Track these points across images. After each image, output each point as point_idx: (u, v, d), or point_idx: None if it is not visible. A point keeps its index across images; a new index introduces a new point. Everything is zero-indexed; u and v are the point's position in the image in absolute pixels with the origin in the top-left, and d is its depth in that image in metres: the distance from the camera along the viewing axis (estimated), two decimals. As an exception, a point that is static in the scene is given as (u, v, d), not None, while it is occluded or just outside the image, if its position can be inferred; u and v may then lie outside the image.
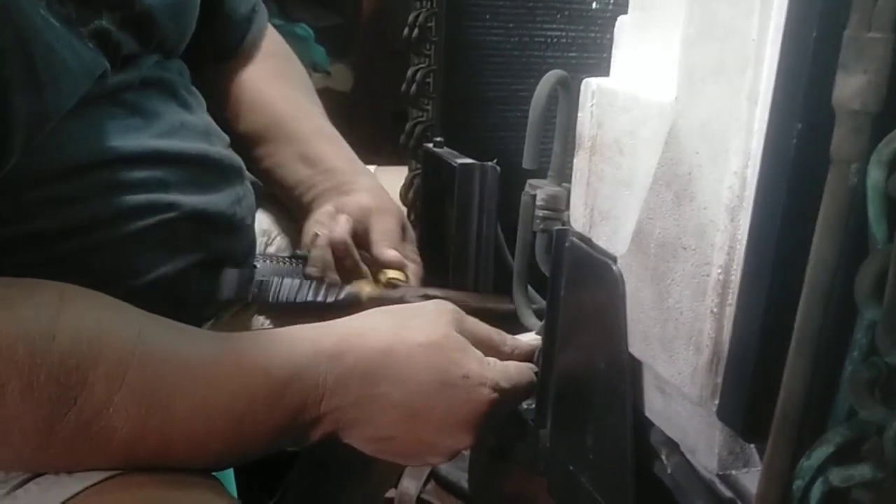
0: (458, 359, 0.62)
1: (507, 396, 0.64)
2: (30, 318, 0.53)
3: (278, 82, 0.97)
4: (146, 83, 0.75)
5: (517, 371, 0.66)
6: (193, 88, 0.86)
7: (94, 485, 0.56)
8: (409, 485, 1.29)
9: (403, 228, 0.91)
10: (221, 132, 0.86)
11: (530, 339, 0.71)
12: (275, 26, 1.03)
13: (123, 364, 0.54)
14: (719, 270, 0.43)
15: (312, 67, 2.53)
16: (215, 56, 0.94)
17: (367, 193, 0.90)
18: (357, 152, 0.96)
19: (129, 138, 0.70)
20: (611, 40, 0.55)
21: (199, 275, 0.78)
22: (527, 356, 0.69)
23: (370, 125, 2.46)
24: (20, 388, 0.51)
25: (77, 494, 0.56)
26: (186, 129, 0.78)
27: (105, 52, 0.67)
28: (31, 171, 0.62)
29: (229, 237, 0.81)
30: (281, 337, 0.63)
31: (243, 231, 0.84)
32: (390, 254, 0.86)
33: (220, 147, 0.83)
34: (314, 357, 0.60)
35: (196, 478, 0.59)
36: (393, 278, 0.84)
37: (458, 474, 1.25)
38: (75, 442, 0.54)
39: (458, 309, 0.67)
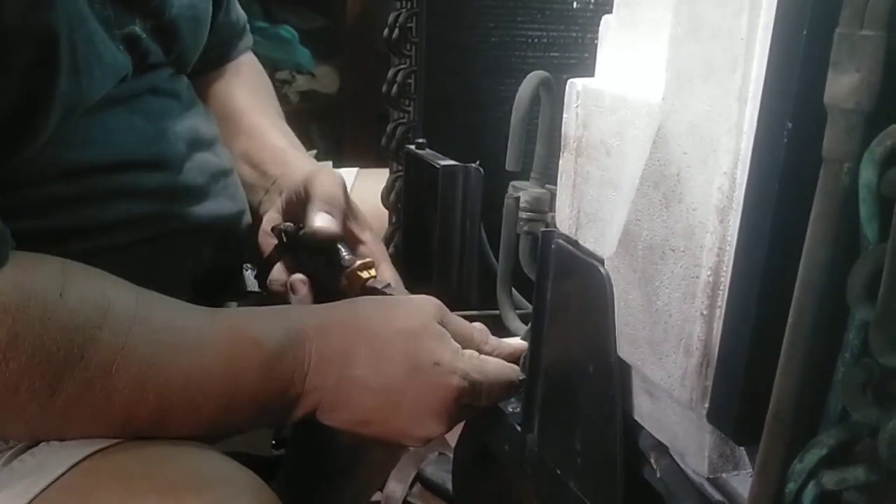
0: (432, 347, 0.63)
1: (480, 389, 0.64)
2: (40, 278, 0.55)
3: (245, 89, 0.98)
4: (161, 93, 0.77)
5: (495, 366, 0.66)
6: (200, 101, 0.86)
7: (96, 452, 0.57)
8: (395, 487, 1.28)
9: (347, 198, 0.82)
10: (225, 147, 0.86)
11: (514, 342, 0.70)
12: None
13: (126, 327, 0.57)
14: (709, 272, 0.43)
15: (297, 69, 2.51)
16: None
17: (306, 166, 0.86)
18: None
19: (141, 144, 0.72)
20: (592, 40, 0.55)
21: (189, 285, 0.77)
22: (508, 357, 0.69)
23: (355, 127, 2.45)
24: (31, 340, 0.53)
25: (80, 462, 0.57)
26: (197, 140, 0.79)
27: (132, 57, 0.71)
28: (44, 167, 0.64)
29: (226, 248, 0.81)
30: (271, 313, 0.66)
31: (239, 244, 0.84)
32: (322, 218, 0.76)
33: (226, 161, 0.83)
34: (302, 333, 0.63)
35: (196, 445, 0.61)
36: (370, 277, 0.77)
37: (444, 476, 1.25)
38: (79, 401, 0.55)
39: (443, 305, 0.68)
